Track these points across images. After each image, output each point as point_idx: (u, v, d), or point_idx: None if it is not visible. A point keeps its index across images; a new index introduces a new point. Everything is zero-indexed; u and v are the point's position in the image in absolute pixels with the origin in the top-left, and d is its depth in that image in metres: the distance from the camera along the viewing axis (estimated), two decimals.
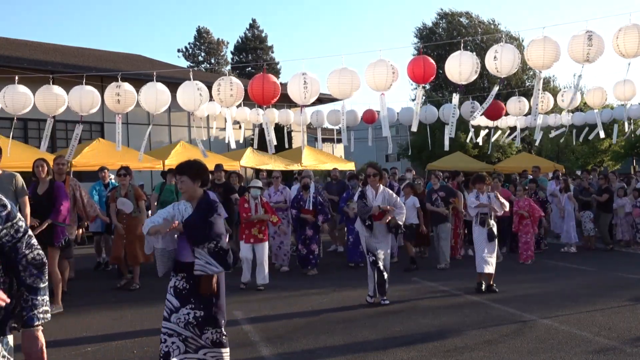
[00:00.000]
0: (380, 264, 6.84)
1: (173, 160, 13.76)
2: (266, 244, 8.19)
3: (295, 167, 16.96)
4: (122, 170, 8.17)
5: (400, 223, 6.92)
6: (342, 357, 4.93)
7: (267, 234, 8.32)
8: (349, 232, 10.08)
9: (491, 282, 7.58)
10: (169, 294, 4.04)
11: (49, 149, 16.94)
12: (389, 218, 6.80)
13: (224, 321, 4.12)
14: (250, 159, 16.31)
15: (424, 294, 7.45)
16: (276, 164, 16.38)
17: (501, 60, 8.44)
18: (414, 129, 10.15)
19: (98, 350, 5.22)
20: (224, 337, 4.07)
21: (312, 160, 17.83)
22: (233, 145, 11.48)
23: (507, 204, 7.83)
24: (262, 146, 11.80)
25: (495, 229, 7.63)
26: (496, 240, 7.69)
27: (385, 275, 6.86)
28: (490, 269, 7.49)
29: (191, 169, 4.12)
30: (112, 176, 11.93)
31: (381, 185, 7.02)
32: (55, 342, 5.36)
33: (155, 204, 9.36)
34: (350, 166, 18.87)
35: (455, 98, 9.37)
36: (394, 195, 7.08)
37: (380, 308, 6.72)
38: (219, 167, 10.02)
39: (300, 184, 9.94)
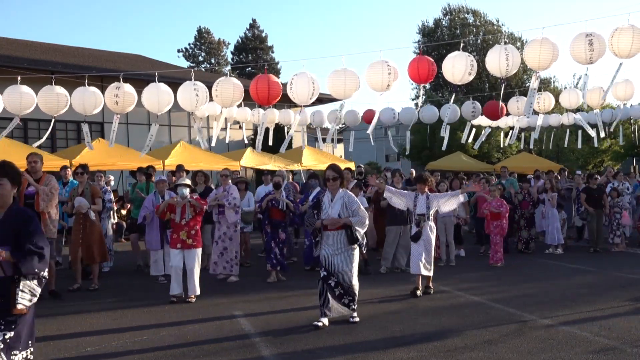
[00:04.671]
0: (332, 282, 5.98)
1: (173, 160, 13.77)
2: (197, 250, 7.26)
3: (295, 167, 16.98)
4: (79, 169, 8.13)
5: (358, 235, 5.96)
6: (342, 357, 4.93)
7: (200, 240, 7.38)
8: (305, 235, 9.66)
9: (430, 284, 7.53)
10: None
11: (49, 148, 17.00)
12: (340, 224, 5.94)
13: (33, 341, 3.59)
14: (250, 159, 16.31)
15: (424, 294, 7.44)
16: (276, 164, 16.40)
17: (488, 63, 8.59)
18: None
19: (98, 350, 5.22)
20: None
21: (312, 160, 17.84)
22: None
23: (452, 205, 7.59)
24: (264, 147, 11.81)
25: (430, 231, 7.41)
26: (432, 242, 7.44)
27: (337, 292, 5.99)
28: (425, 271, 7.34)
29: (13, 171, 3.48)
30: (110, 177, 12.04)
31: (341, 189, 6.12)
32: (56, 343, 5.36)
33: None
34: (350, 166, 18.87)
35: (452, 99, 9.45)
36: (357, 202, 6.09)
37: (380, 308, 6.73)
38: (150, 167, 10.22)
39: (271, 183, 9.35)
